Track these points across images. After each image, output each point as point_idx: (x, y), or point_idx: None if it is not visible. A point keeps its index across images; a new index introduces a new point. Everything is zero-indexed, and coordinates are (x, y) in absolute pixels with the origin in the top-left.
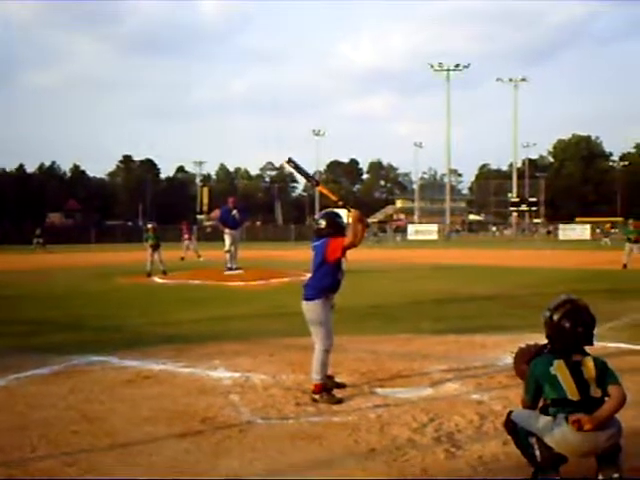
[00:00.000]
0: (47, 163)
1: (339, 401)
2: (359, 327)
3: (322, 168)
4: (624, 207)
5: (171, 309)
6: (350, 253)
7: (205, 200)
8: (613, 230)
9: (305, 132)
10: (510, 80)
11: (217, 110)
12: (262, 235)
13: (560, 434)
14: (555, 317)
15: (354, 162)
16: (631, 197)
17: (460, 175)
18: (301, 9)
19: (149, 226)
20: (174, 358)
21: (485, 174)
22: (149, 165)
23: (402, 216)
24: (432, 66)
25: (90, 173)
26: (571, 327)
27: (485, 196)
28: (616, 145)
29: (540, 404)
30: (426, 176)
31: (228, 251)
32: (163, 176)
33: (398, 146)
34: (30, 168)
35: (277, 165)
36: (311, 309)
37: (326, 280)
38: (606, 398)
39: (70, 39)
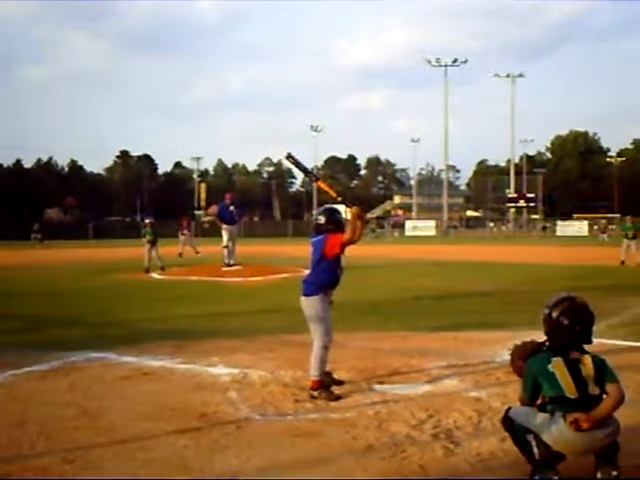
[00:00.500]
0: (44, 158)
1: (337, 398)
2: (357, 324)
3: (320, 164)
4: (622, 203)
5: (169, 305)
6: (348, 249)
7: (203, 196)
8: (611, 226)
9: (303, 128)
10: (507, 76)
11: (215, 106)
12: (260, 231)
13: (557, 432)
14: (554, 314)
15: (352, 158)
16: (629, 193)
17: (458, 171)
18: (298, 5)
19: (147, 222)
20: (172, 354)
21: (483, 170)
22: (147, 160)
23: (400, 212)
24: (429, 62)
25: (88, 168)
26: (570, 325)
27: (483, 192)
28: (614, 141)
29: (538, 401)
30: (424, 172)
31: (226, 247)
32: (161, 172)
33: (396, 142)
34: (27, 163)
35: (275, 161)
36: (310, 305)
37: (325, 276)
38: (604, 396)
39: (68, 35)
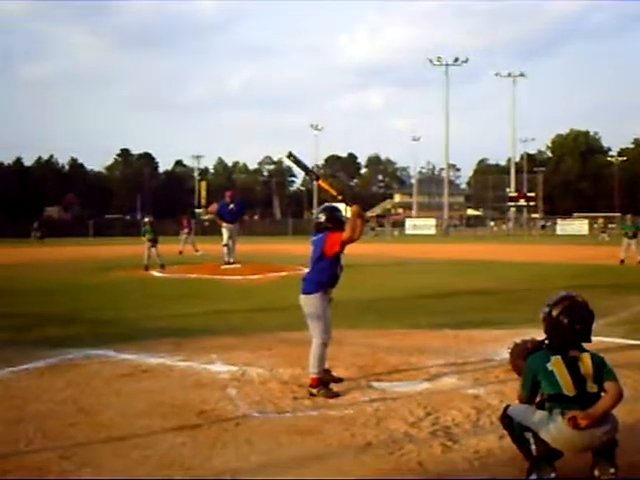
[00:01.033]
0: (45, 156)
1: (336, 395)
2: (356, 321)
3: (320, 162)
4: (622, 202)
5: (169, 303)
6: (347, 247)
7: (203, 194)
8: (610, 225)
9: (303, 126)
10: (508, 75)
11: (215, 104)
12: (260, 229)
13: (555, 429)
14: (554, 313)
15: (352, 156)
16: (629, 192)
17: (458, 170)
18: (299, 3)
19: (146, 220)
20: (171, 352)
21: (483, 169)
22: (147, 159)
23: (400, 210)
24: (431, 60)
25: (88, 166)
26: (569, 323)
27: (483, 191)
28: (614, 140)
29: (537, 399)
30: (424, 170)
31: (226, 245)
32: (161, 170)
33: (396, 140)
34: (28, 161)
35: (275, 159)
36: (309, 303)
37: (324, 274)
38: (602, 394)
39: (68, 32)
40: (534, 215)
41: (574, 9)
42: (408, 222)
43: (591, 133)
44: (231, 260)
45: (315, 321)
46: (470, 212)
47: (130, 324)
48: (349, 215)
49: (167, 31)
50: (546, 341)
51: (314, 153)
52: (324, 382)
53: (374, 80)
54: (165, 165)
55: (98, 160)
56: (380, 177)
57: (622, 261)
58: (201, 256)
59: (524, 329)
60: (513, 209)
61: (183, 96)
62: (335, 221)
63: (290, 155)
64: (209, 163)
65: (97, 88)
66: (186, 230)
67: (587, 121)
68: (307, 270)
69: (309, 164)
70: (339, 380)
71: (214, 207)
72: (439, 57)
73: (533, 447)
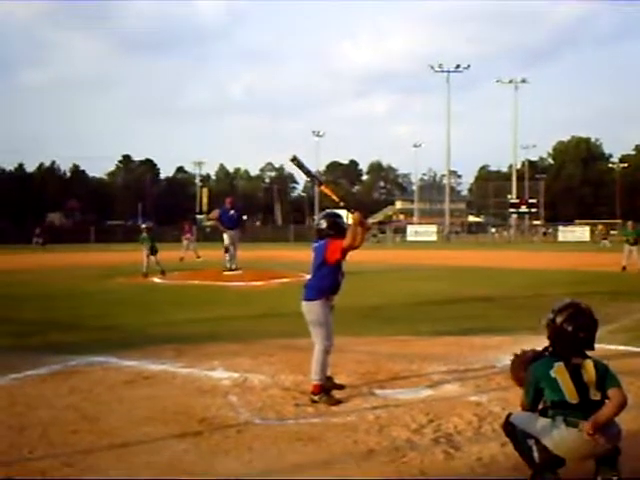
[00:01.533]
0: (47, 163)
1: (338, 402)
2: (358, 328)
3: (322, 169)
4: (624, 209)
5: (170, 309)
6: (349, 254)
7: (205, 200)
8: (612, 232)
9: (305, 133)
10: (510, 81)
11: (217, 110)
12: (261, 235)
13: (558, 437)
14: (558, 320)
15: (354, 163)
16: (630, 199)
17: (460, 176)
18: (301, 10)
19: (143, 226)
20: (173, 358)
21: (485, 175)
22: (149, 165)
23: (401, 217)
24: (432, 67)
25: (90, 173)
26: (573, 331)
27: (484, 197)
28: (616, 147)
29: (540, 406)
30: (426, 177)
31: (227, 251)
32: (163, 176)
33: (398, 147)
34: (30, 168)
35: (277, 166)
36: (311, 310)
37: (326, 281)
38: (606, 401)
39: (70, 38)
40: (536, 222)
41: (576, 16)
42: (409, 228)
43: (592, 140)
44: (233, 266)
45: (317, 328)
46: (471, 219)
47: (132, 330)
48: (351, 222)
49: (169, 37)
50: (550, 348)
51: (315, 159)
52: (326, 389)
53: (376, 87)
54: (166, 171)
55: (100, 166)
56: (382, 184)
57: (624, 268)
58: (202, 262)
59: (526, 336)
60: (514, 216)
61: (184, 102)
62: (336, 228)
63: (294, 159)
64: (211, 169)
65: (99, 94)
66: (188, 236)
67: (588, 128)
68: (309, 276)
69: (311, 170)
70: (341, 387)
71: (215, 213)
72: (440, 64)
73: (536, 455)
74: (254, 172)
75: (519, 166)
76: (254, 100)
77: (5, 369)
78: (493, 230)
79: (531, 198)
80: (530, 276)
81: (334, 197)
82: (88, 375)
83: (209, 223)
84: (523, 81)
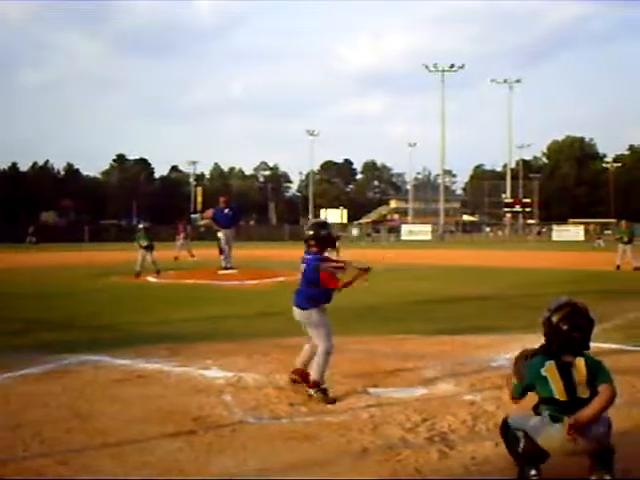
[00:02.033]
0: (41, 162)
1: (333, 401)
2: (353, 327)
3: (316, 168)
4: (617, 208)
5: (164, 308)
6: (345, 254)
7: (199, 199)
8: (607, 232)
9: (299, 132)
10: (505, 81)
11: (211, 109)
12: (256, 235)
13: (544, 431)
14: (554, 319)
15: (348, 162)
16: (624, 198)
17: (454, 176)
18: (296, 10)
19: (140, 227)
20: (167, 357)
21: (479, 175)
22: (143, 164)
23: (396, 216)
24: (427, 67)
25: (84, 172)
26: (568, 331)
27: (479, 197)
28: (610, 146)
29: (535, 404)
30: (420, 176)
31: (222, 250)
32: (157, 175)
33: (392, 146)
34: (23, 167)
35: (271, 164)
36: (305, 315)
37: (320, 295)
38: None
39: (64, 37)
40: (530, 221)
41: (571, 17)
42: (404, 228)
43: (587, 139)
44: (228, 265)
45: (318, 329)
46: (466, 218)
47: (126, 330)
48: (353, 273)
49: (165, 37)
50: (545, 346)
51: (310, 159)
52: (322, 387)
53: (371, 86)
54: (161, 171)
55: (94, 165)
56: (376, 183)
57: (618, 267)
58: (197, 262)
59: (520, 335)
60: (509, 215)
61: (179, 102)
62: (317, 239)
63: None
64: (205, 169)
65: (93, 93)
66: (182, 235)
67: (583, 127)
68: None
69: (305, 170)
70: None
71: (209, 213)
72: (435, 63)
73: (521, 445)
74: (248, 171)
75: (513, 165)
76: (249, 99)
77: None
78: (487, 229)
79: (525, 197)
80: (524, 275)
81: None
82: (81, 374)
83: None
84: (518, 81)
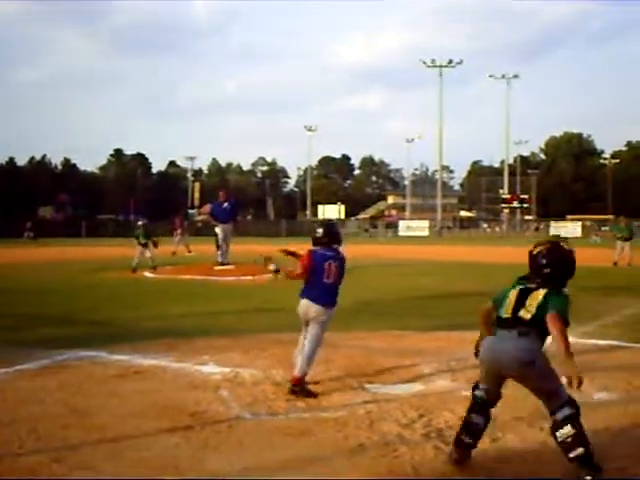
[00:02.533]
0: (38, 157)
1: (314, 395)
2: (350, 323)
3: (314, 164)
4: (615, 205)
5: (161, 304)
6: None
7: (197, 195)
8: (604, 228)
9: (297, 127)
10: (503, 77)
11: (209, 106)
12: (253, 230)
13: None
14: (534, 251)
15: (346, 158)
16: (622, 195)
17: (452, 171)
18: (294, 6)
19: (140, 223)
20: (164, 353)
21: (477, 171)
22: (141, 159)
23: (393, 212)
24: (425, 63)
25: (81, 167)
26: (542, 264)
27: (476, 193)
28: (608, 143)
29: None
30: (418, 172)
31: (219, 246)
32: (155, 170)
33: (390, 142)
34: (21, 162)
35: (269, 160)
36: (327, 313)
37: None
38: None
39: (62, 34)
40: (527, 217)
41: (569, 14)
42: (401, 224)
43: (584, 135)
44: (225, 261)
45: (323, 329)
46: (463, 214)
47: (123, 325)
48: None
49: (162, 34)
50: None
51: (308, 154)
52: (304, 383)
53: (369, 82)
54: (158, 166)
55: (91, 160)
56: (374, 178)
57: (615, 263)
58: (194, 257)
59: None
60: (506, 211)
61: (177, 97)
62: (330, 235)
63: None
64: (203, 164)
65: (91, 89)
66: (179, 231)
67: (580, 123)
68: (329, 282)
69: (303, 166)
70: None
71: (207, 208)
72: (433, 59)
73: None
74: (246, 167)
75: (511, 161)
76: (247, 96)
77: None
78: (485, 225)
79: (523, 193)
80: (522, 271)
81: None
82: (78, 370)
83: (200, 218)
84: (516, 76)
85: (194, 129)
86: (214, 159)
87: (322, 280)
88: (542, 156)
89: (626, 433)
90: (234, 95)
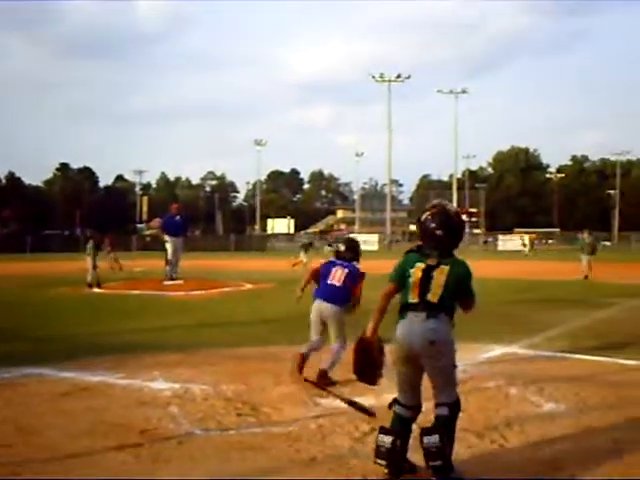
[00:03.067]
0: None
1: (334, 384)
2: (300, 337)
3: (263, 178)
4: (561, 218)
5: (110, 319)
6: (291, 263)
7: (145, 209)
8: (550, 241)
9: (247, 141)
10: (451, 92)
11: (157, 118)
12: (202, 245)
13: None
14: (422, 217)
15: (295, 172)
16: (568, 208)
17: (401, 185)
18: (244, 16)
19: (89, 235)
20: (112, 369)
21: (426, 185)
22: (87, 173)
23: (343, 226)
24: (373, 77)
25: (26, 181)
26: (433, 228)
27: (426, 206)
28: (553, 157)
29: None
30: (367, 186)
31: (169, 261)
32: (102, 185)
33: (339, 156)
34: None
35: (218, 174)
36: (337, 311)
37: (349, 297)
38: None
39: (6, 40)
40: (476, 230)
41: (516, 28)
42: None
43: (531, 150)
44: (174, 276)
45: (342, 328)
46: (412, 227)
47: (70, 342)
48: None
49: (110, 41)
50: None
51: (257, 168)
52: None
53: (318, 95)
54: (106, 180)
55: (36, 174)
56: (323, 193)
57: (586, 277)
58: (144, 272)
59: (464, 344)
60: None
61: (124, 109)
62: (352, 251)
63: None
64: (151, 178)
65: (36, 100)
66: (109, 249)
67: (527, 138)
68: (335, 284)
69: (252, 180)
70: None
71: (156, 222)
72: (382, 73)
73: None
74: (195, 181)
75: (460, 175)
76: (195, 108)
77: None
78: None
79: (471, 207)
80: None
81: None
82: (24, 387)
83: (149, 232)
84: (464, 92)
85: (143, 143)
86: (163, 173)
87: (327, 282)
88: (490, 170)
89: (576, 443)
90: (183, 107)
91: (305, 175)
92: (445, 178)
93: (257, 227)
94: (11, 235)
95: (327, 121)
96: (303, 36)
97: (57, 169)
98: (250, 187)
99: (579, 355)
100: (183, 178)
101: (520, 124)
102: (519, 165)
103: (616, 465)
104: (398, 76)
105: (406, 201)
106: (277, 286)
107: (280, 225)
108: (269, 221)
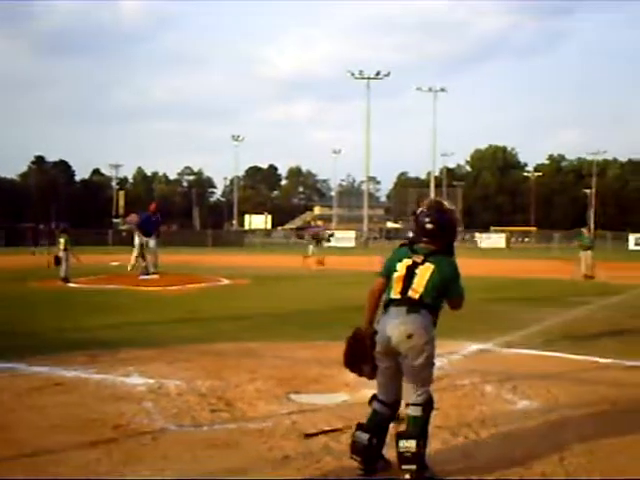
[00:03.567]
0: None
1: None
2: (276, 333)
3: (241, 174)
4: (538, 217)
5: (84, 314)
6: (267, 259)
7: (121, 203)
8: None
9: (224, 137)
10: (429, 90)
11: (135, 112)
12: (179, 240)
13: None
14: (418, 211)
15: (273, 168)
16: (544, 207)
17: (378, 182)
18: (224, 13)
19: (61, 227)
20: (86, 364)
21: (403, 182)
22: (63, 167)
23: (320, 223)
24: (352, 74)
25: (1, 174)
26: (425, 222)
27: (403, 204)
28: (531, 156)
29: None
30: (344, 183)
31: (143, 256)
32: (78, 178)
33: (317, 153)
34: None
35: (195, 169)
36: None
37: None
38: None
39: None
40: None
41: (495, 28)
42: (328, 234)
43: (509, 148)
44: (150, 271)
45: None
46: (390, 225)
47: (43, 336)
48: None
49: (89, 37)
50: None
51: (234, 164)
52: None
53: (296, 91)
54: (82, 174)
55: (11, 167)
56: (301, 189)
57: (585, 276)
58: (119, 267)
59: (446, 341)
60: None
61: (102, 104)
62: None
63: None
64: (128, 172)
65: (12, 93)
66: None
67: (505, 137)
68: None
69: (229, 175)
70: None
71: (133, 218)
72: (361, 70)
73: None
74: (172, 176)
75: (437, 173)
76: (174, 103)
77: None
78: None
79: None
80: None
81: None
82: None
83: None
84: (442, 90)
85: (119, 137)
86: (140, 168)
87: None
88: (468, 168)
89: (548, 440)
90: (161, 102)
91: (283, 171)
92: (423, 176)
93: (235, 223)
94: None
95: (306, 118)
96: (284, 33)
97: (32, 162)
98: (228, 183)
99: (553, 353)
100: (160, 173)
101: (498, 123)
102: (497, 163)
103: (585, 461)
104: (377, 73)
105: (383, 198)
106: (254, 282)
107: (257, 221)
108: (246, 217)
